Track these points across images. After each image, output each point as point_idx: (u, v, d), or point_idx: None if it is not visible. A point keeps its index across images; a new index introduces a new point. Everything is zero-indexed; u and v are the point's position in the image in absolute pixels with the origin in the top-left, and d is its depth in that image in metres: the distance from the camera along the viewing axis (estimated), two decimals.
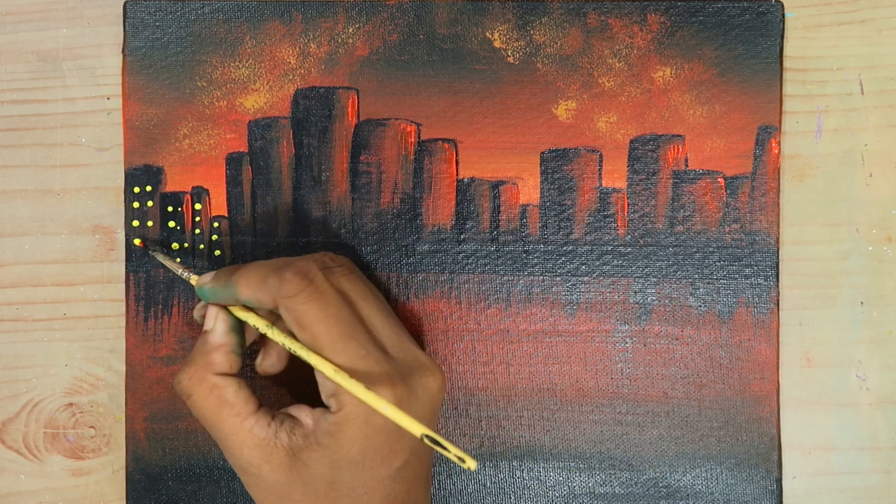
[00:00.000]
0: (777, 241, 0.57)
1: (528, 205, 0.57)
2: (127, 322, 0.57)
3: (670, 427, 0.57)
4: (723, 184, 0.57)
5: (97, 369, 0.58)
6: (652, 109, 0.57)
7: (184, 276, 0.54)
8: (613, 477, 0.57)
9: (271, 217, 0.57)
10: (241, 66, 0.57)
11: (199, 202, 0.57)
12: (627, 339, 0.57)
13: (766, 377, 0.56)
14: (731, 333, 0.57)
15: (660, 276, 0.57)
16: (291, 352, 0.49)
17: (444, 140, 0.57)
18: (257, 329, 0.51)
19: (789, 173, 0.57)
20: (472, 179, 0.57)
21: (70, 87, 0.58)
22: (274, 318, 0.52)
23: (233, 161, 0.57)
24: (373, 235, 0.57)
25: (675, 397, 0.57)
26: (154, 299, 0.57)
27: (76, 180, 0.58)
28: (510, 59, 0.57)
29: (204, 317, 0.52)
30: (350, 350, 0.48)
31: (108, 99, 0.58)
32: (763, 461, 0.56)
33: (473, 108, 0.57)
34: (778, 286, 0.57)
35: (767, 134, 0.57)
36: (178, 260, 0.57)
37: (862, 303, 0.57)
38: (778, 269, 0.57)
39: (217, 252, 0.57)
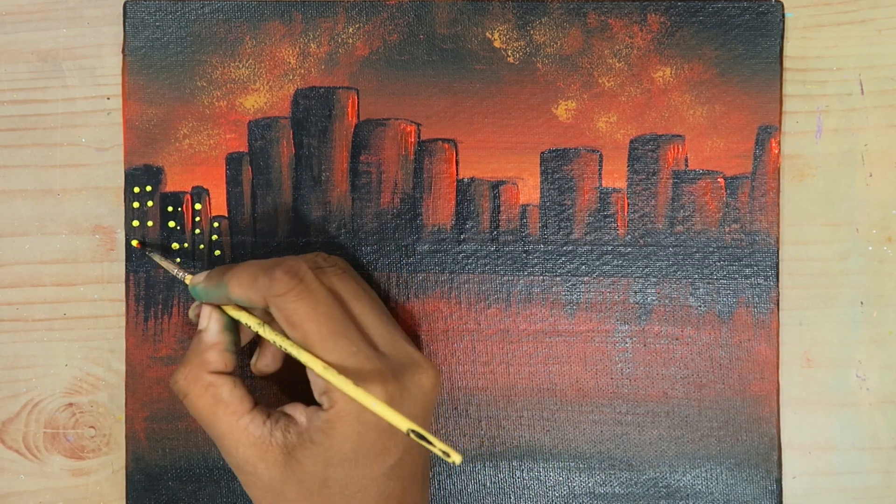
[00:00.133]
0: (777, 241, 0.57)
1: (528, 205, 0.57)
2: (127, 322, 0.57)
3: (670, 427, 0.57)
4: (723, 184, 0.57)
5: (97, 369, 0.58)
6: (652, 109, 0.57)
7: (179, 276, 0.54)
8: (613, 477, 0.57)
9: (271, 217, 0.57)
10: (241, 66, 0.57)
11: (199, 202, 0.57)
12: (627, 339, 0.57)
13: (766, 377, 0.56)
14: (731, 333, 0.57)
15: (660, 276, 0.57)
16: (283, 350, 0.50)
17: (444, 140, 0.57)
18: (250, 328, 0.51)
19: (789, 173, 0.57)
20: (472, 179, 0.57)
21: (70, 87, 0.58)
22: (269, 317, 0.52)
23: (233, 161, 0.57)
24: (373, 235, 0.57)
25: (675, 397, 0.57)
26: (154, 299, 0.57)
27: (76, 180, 0.58)
28: (510, 59, 0.57)
29: (199, 316, 0.52)
30: (340, 348, 0.48)
31: (108, 99, 0.58)
32: (763, 461, 0.56)
33: (473, 108, 0.57)
34: (778, 286, 0.57)
35: (767, 134, 0.57)
36: (179, 260, 0.57)
37: (862, 303, 0.57)
38: (778, 269, 0.57)
39: (217, 252, 0.57)
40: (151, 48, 0.57)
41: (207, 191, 0.57)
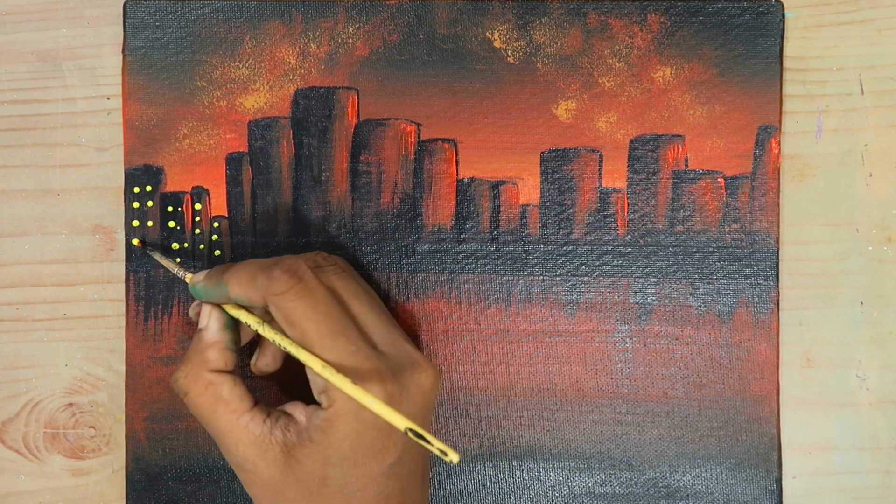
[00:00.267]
0: (777, 241, 0.57)
1: (528, 205, 0.57)
2: (127, 322, 0.57)
3: (670, 427, 0.57)
4: (723, 184, 0.57)
5: (97, 369, 0.58)
6: (652, 109, 0.57)
7: (179, 275, 0.54)
8: (613, 477, 0.57)
9: (271, 217, 0.57)
10: (241, 66, 0.57)
11: (199, 202, 0.57)
12: (627, 339, 0.57)
13: (766, 377, 0.56)
14: (731, 333, 0.57)
15: (660, 276, 0.57)
16: (282, 348, 0.50)
17: (444, 140, 0.57)
18: (249, 326, 0.51)
19: (789, 173, 0.57)
20: (472, 179, 0.57)
21: (70, 87, 0.58)
22: (268, 316, 0.52)
23: (233, 161, 0.57)
24: (373, 235, 0.57)
25: (675, 397, 0.57)
26: (154, 299, 0.57)
27: (76, 180, 0.58)
28: (510, 59, 0.57)
29: (199, 315, 0.52)
30: (339, 346, 0.48)
31: (108, 99, 0.58)
32: (763, 461, 0.56)
33: (473, 108, 0.57)
34: (778, 286, 0.57)
35: (767, 134, 0.57)
36: (178, 260, 0.57)
37: (862, 303, 0.57)
38: (778, 269, 0.57)
39: (217, 252, 0.57)
40: (151, 48, 0.57)
41: (207, 191, 0.57)
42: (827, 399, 0.57)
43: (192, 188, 0.57)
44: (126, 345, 0.57)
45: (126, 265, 0.57)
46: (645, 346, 0.57)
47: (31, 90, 0.58)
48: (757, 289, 0.56)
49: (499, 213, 0.57)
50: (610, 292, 0.57)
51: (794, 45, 0.57)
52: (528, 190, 0.57)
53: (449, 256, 0.57)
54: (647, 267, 0.57)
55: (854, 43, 0.57)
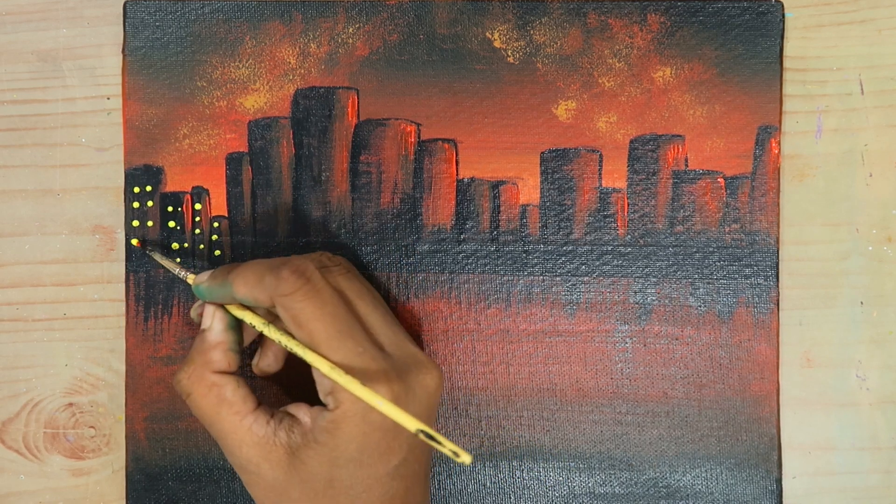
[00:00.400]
0: (777, 241, 0.57)
1: (528, 205, 0.57)
2: (127, 322, 0.57)
3: (670, 427, 0.57)
4: (723, 184, 0.57)
5: (97, 369, 0.58)
6: (652, 109, 0.57)
7: (181, 276, 0.54)
8: (613, 477, 0.57)
9: (271, 217, 0.57)
10: (241, 66, 0.57)
11: (199, 202, 0.57)
12: (627, 339, 0.57)
13: (766, 377, 0.56)
14: (731, 333, 0.57)
15: (660, 276, 0.57)
16: (288, 349, 0.49)
17: (444, 140, 0.57)
18: (254, 327, 0.51)
19: (789, 173, 0.57)
20: (472, 179, 0.57)
21: (70, 87, 0.58)
22: (272, 317, 0.52)
23: (233, 161, 0.57)
24: (373, 235, 0.57)
25: (675, 397, 0.57)
26: (154, 299, 0.57)
27: (76, 180, 0.58)
28: (510, 59, 0.57)
29: (201, 315, 0.52)
30: (346, 347, 0.48)
31: (108, 99, 0.58)
32: (763, 461, 0.56)
33: (473, 108, 0.57)
34: (778, 286, 0.57)
35: (767, 134, 0.57)
36: (178, 260, 0.57)
37: (862, 303, 0.57)
38: (778, 269, 0.57)
39: (217, 252, 0.57)
40: (151, 48, 0.57)
41: (207, 191, 0.57)
42: (827, 399, 0.57)
43: (192, 188, 0.57)
44: (126, 345, 0.57)
45: (126, 265, 0.57)
46: (645, 346, 0.57)
47: (31, 90, 0.58)
48: (757, 289, 0.56)
49: (499, 213, 0.57)
50: (610, 292, 0.57)
51: (794, 45, 0.57)
52: (528, 190, 0.57)
53: (449, 256, 0.57)
54: (647, 267, 0.57)
55: (854, 43, 0.57)
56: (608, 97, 0.57)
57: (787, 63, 0.57)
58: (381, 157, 0.57)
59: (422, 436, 0.46)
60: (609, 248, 0.57)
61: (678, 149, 0.57)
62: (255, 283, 0.49)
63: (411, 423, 0.46)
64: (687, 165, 0.57)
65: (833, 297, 0.57)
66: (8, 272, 0.58)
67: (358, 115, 0.57)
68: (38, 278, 0.58)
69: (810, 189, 0.57)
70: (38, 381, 0.58)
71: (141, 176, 0.57)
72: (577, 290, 0.57)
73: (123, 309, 0.57)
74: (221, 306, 0.52)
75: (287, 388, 0.57)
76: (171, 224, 0.57)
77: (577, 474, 0.57)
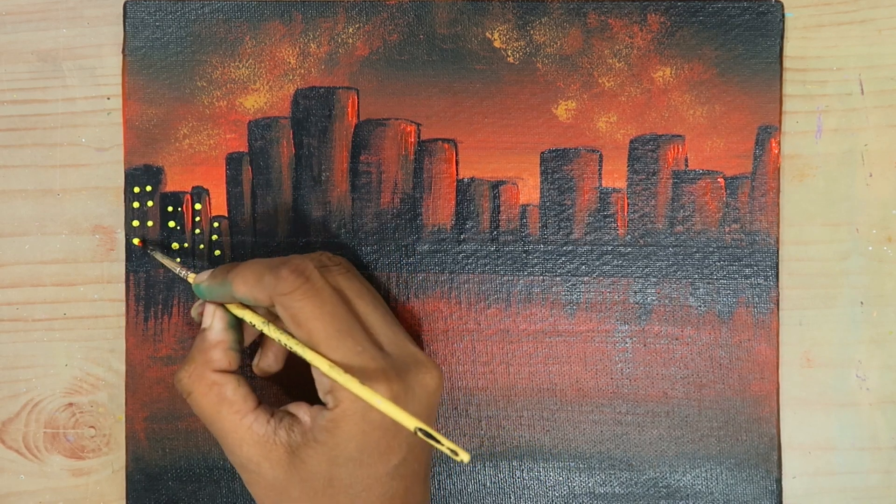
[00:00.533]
0: (777, 241, 0.57)
1: (528, 205, 0.57)
2: (127, 322, 0.57)
3: (670, 427, 0.57)
4: (723, 184, 0.57)
5: (97, 369, 0.58)
6: (652, 109, 0.57)
7: (182, 275, 0.54)
8: (613, 477, 0.57)
9: (271, 217, 0.57)
10: (241, 66, 0.57)
11: (199, 202, 0.57)
12: (627, 339, 0.57)
13: (766, 377, 0.56)
14: (731, 333, 0.57)
15: (660, 276, 0.57)
16: (288, 348, 0.50)
17: (444, 140, 0.57)
18: (254, 326, 0.51)
19: (789, 173, 0.57)
20: (472, 179, 0.57)
21: (70, 87, 0.58)
22: (271, 316, 0.52)
23: (233, 161, 0.57)
24: (373, 235, 0.57)
25: (675, 397, 0.57)
26: (154, 299, 0.57)
27: (76, 180, 0.58)
28: (510, 59, 0.57)
29: (201, 315, 0.52)
30: (345, 347, 0.48)
31: (108, 99, 0.58)
32: (763, 461, 0.56)
33: (473, 108, 0.57)
34: (778, 286, 0.57)
35: (767, 134, 0.57)
36: (178, 260, 0.57)
37: (862, 303, 0.57)
38: (778, 269, 0.57)
39: (217, 252, 0.57)
40: (151, 48, 0.57)
41: (207, 191, 0.57)
42: (827, 399, 0.57)
43: (192, 188, 0.57)
44: (126, 345, 0.57)
45: (126, 265, 0.57)
46: (645, 346, 0.57)
47: (31, 90, 0.58)
48: (757, 289, 0.56)
49: (499, 213, 0.57)
50: (610, 292, 0.57)
51: (794, 45, 0.57)
52: (528, 190, 0.57)
53: (449, 256, 0.57)
54: (647, 267, 0.57)
55: (854, 43, 0.57)
56: (608, 97, 0.57)
57: (787, 63, 0.57)
58: (381, 157, 0.57)
59: (420, 434, 0.46)
60: (609, 248, 0.57)
61: (678, 149, 0.57)
62: (254, 283, 0.50)
63: (410, 422, 0.47)
64: (687, 165, 0.57)
65: (833, 297, 0.57)
66: (8, 272, 0.58)
67: (358, 115, 0.57)
68: (38, 278, 0.58)
69: (810, 189, 0.57)
70: (38, 381, 0.58)
71: (141, 176, 0.57)
72: (577, 290, 0.57)
73: (123, 309, 0.57)
74: (222, 305, 0.52)
75: (287, 387, 0.57)
76: (171, 224, 0.57)
77: (577, 474, 0.57)
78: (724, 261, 0.57)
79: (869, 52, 0.57)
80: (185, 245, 0.57)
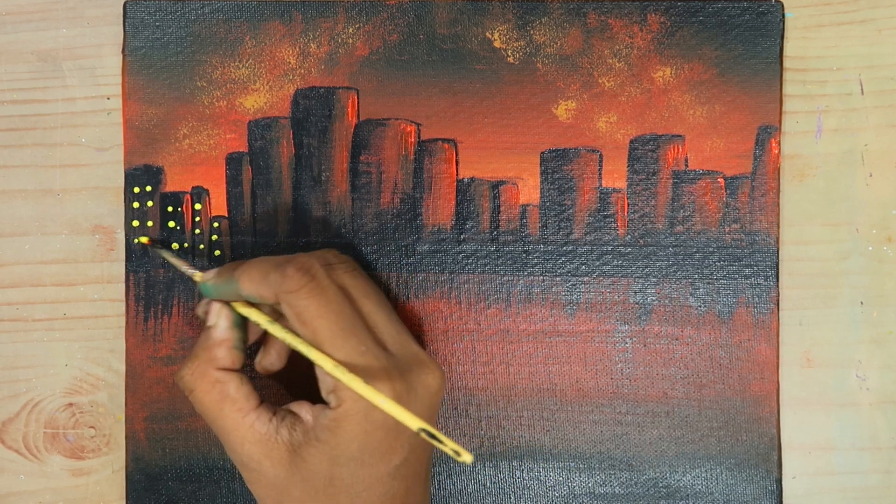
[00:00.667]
0: (777, 241, 0.57)
1: (528, 205, 0.57)
2: (127, 322, 0.57)
3: (670, 427, 0.57)
4: (723, 184, 0.57)
5: (97, 369, 0.58)
6: (652, 109, 0.57)
7: (189, 274, 0.54)
8: (613, 477, 0.57)
9: (271, 217, 0.57)
10: (241, 66, 0.57)
11: (199, 202, 0.57)
12: (627, 339, 0.57)
13: (766, 377, 0.56)
14: (731, 333, 0.57)
15: (660, 276, 0.57)
16: (292, 347, 0.50)
17: (444, 140, 0.57)
18: (259, 325, 0.51)
19: (789, 173, 0.57)
20: (472, 179, 0.57)
21: (70, 87, 0.58)
22: (277, 315, 0.52)
23: (233, 161, 0.57)
24: (373, 235, 0.57)
25: (675, 397, 0.57)
26: (154, 299, 0.57)
27: (76, 180, 0.58)
28: (510, 59, 0.57)
29: (207, 313, 0.52)
30: (350, 346, 0.48)
31: (108, 99, 0.58)
32: (763, 461, 0.56)
33: (473, 108, 0.57)
34: (778, 286, 0.57)
35: (767, 134, 0.57)
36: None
37: (862, 303, 0.57)
38: (778, 269, 0.57)
39: (217, 252, 0.57)
40: (151, 48, 0.57)
41: (207, 191, 0.57)
42: (827, 399, 0.57)
43: (192, 188, 0.57)
44: (126, 345, 0.57)
45: (126, 265, 0.57)
46: (645, 346, 0.57)
47: (31, 90, 0.58)
48: (757, 289, 0.56)
49: (499, 213, 0.57)
50: (610, 292, 0.57)
51: (794, 45, 0.57)
52: (528, 190, 0.57)
53: (449, 256, 0.57)
54: (647, 267, 0.57)
55: (854, 43, 0.57)
56: (608, 97, 0.57)
57: (787, 63, 0.57)
58: (381, 157, 0.57)
59: (423, 434, 0.46)
60: (609, 248, 0.57)
61: (678, 149, 0.57)
62: (260, 280, 0.50)
63: (413, 422, 0.46)
64: (687, 165, 0.57)
65: (833, 297, 0.57)
66: (8, 272, 0.58)
67: (358, 115, 0.57)
68: (38, 278, 0.58)
69: (810, 189, 0.57)
70: (38, 381, 0.58)
71: (141, 176, 0.57)
72: (577, 290, 0.57)
73: (123, 309, 0.57)
74: (228, 304, 0.52)
75: (289, 386, 0.57)
76: (171, 224, 0.57)
77: (577, 474, 0.57)
78: (724, 261, 0.57)
79: (869, 52, 0.57)
80: (185, 245, 0.57)
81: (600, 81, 0.57)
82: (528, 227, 0.57)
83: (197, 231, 0.57)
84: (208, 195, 0.57)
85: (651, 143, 0.57)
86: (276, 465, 0.49)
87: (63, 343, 0.58)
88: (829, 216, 0.57)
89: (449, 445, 0.46)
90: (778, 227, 0.57)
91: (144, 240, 0.57)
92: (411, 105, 0.57)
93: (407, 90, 0.57)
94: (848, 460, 0.57)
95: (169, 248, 0.57)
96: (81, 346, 0.58)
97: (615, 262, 0.57)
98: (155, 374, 0.57)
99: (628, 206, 0.57)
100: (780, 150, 0.57)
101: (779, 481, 0.57)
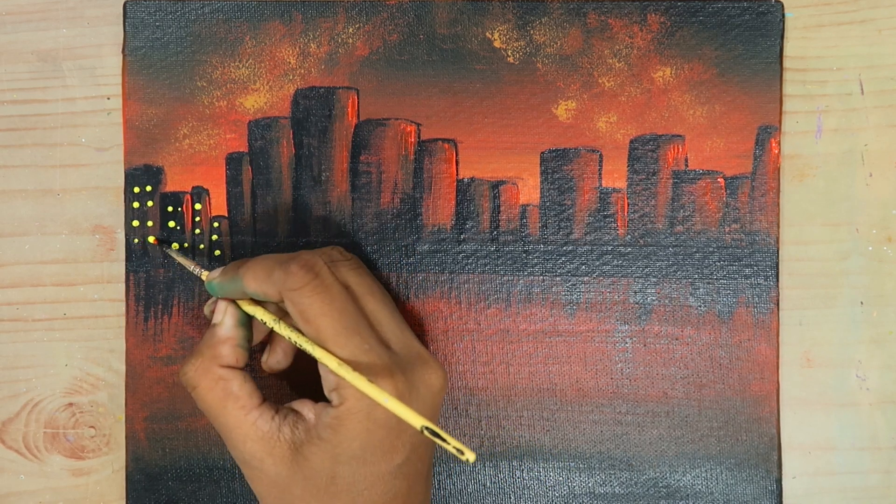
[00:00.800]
0: (777, 241, 0.57)
1: (528, 205, 0.57)
2: (127, 322, 0.57)
3: (670, 427, 0.57)
4: (723, 184, 0.57)
5: (97, 369, 0.58)
6: (652, 109, 0.57)
7: (195, 272, 0.54)
8: (613, 477, 0.57)
9: (271, 217, 0.57)
10: (241, 66, 0.57)
11: (199, 202, 0.57)
12: (627, 339, 0.57)
13: (766, 377, 0.56)
14: (731, 333, 0.57)
15: (660, 276, 0.57)
16: (297, 345, 0.50)
17: (444, 140, 0.57)
18: (264, 322, 0.51)
19: (789, 173, 0.57)
20: (472, 179, 0.57)
21: (70, 87, 0.58)
22: (282, 313, 0.52)
23: (233, 161, 0.57)
24: (373, 235, 0.57)
25: (675, 397, 0.57)
26: (154, 299, 0.57)
27: (76, 180, 0.58)
28: (510, 59, 0.57)
29: (213, 313, 0.52)
30: (353, 344, 0.48)
31: (108, 99, 0.58)
32: (763, 461, 0.56)
33: (473, 108, 0.57)
34: (778, 286, 0.57)
35: (767, 134, 0.57)
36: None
37: (862, 303, 0.57)
38: (778, 269, 0.57)
39: (217, 252, 0.57)
40: (151, 48, 0.57)
41: (207, 191, 0.57)
42: (827, 399, 0.57)
43: (192, 188, 0.57)
44: (126, 345, 0.57)
45: (126, 265, 0.57)
46: (645, 346, 0.57)
47: (31, 90, 0.58)
48: (757, 289, 0.56)
49: (499, 213, 0.57)
50: (610, 292, 0.57)
51: (794, 45, 0.57)
52: (528, 190, 0.57)
53: (449, 256, 0.57)
54: (647, 267, 0.57)
55: (854, 43, 0.57)
56: (608, 97, 0.57)
57: (787, 63, 0.57)
58: (381, 157, 0.57)
59: (427, 432, 0.46)
60: (609, 248, 0.57)
61: (678, 149, 0.57)
62: (263, 278, 0.50)
63: (416, 420, 0.46)
64: (687, 165, 0.57)
65: (833, 297, 0.57)
66: (8, 272, 0.58)
67: (358, 115, 0.57)
68: (38, 278, 0.58)
69: (810, 189, 0.57)
70: (38, 381, 0.58)
71: (141, 176, 0.57)
72: (577, 290, 0.57)
73: (123, 309, 0.57)
74: (233, 302, 0.52)
75: (292, 384, 0.57)
76: (171, 224, 0.57)
77: (577, 474, 0.57)
78: (724, 261, 0.57)
79: (869, 52, 0.57)
80: (186, 245, 0.57)
81: (600, 81, 0.57)
82: (528, 227, 0.57)
83: (197, 231, 0.57)
84: (208, 195, 0.57)
85: (651, 143, 0.57)
86: (277, 463, 0.49)
87: (63, 343, 0.58)
88: (829, 216, 0.57)
89: (452, 443, 0.46)
90: (778, 227, 0.57)
91: (152, 239, 0.57)
92: (411, 105, 0.57)
93: (407, 90, 0.57)
94: (848, 460, 0.57)
95: (178, 248, 0.57)
96: (81, 346, 0.58)
97: (615, 262, 0.57)
98: (155, 374, 0.57)
99: (628, 206, 0.57)
100: (780, 150, 0.57)
101: (779, 481, 0.57)
